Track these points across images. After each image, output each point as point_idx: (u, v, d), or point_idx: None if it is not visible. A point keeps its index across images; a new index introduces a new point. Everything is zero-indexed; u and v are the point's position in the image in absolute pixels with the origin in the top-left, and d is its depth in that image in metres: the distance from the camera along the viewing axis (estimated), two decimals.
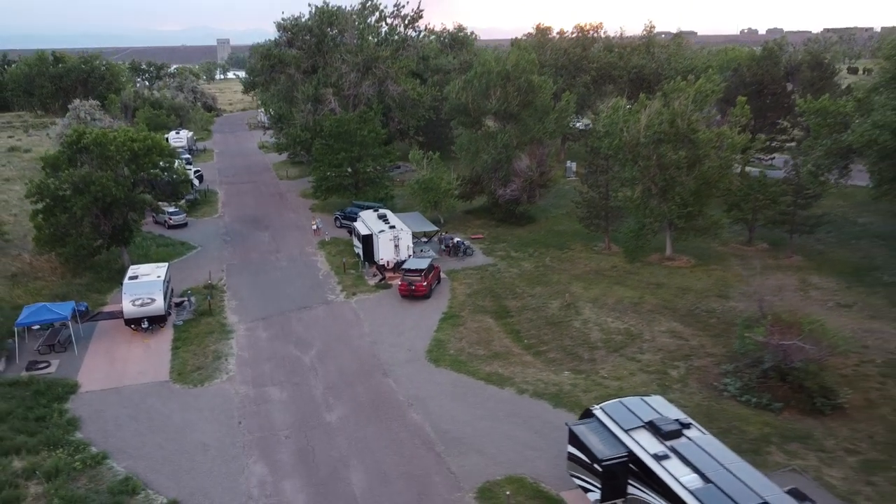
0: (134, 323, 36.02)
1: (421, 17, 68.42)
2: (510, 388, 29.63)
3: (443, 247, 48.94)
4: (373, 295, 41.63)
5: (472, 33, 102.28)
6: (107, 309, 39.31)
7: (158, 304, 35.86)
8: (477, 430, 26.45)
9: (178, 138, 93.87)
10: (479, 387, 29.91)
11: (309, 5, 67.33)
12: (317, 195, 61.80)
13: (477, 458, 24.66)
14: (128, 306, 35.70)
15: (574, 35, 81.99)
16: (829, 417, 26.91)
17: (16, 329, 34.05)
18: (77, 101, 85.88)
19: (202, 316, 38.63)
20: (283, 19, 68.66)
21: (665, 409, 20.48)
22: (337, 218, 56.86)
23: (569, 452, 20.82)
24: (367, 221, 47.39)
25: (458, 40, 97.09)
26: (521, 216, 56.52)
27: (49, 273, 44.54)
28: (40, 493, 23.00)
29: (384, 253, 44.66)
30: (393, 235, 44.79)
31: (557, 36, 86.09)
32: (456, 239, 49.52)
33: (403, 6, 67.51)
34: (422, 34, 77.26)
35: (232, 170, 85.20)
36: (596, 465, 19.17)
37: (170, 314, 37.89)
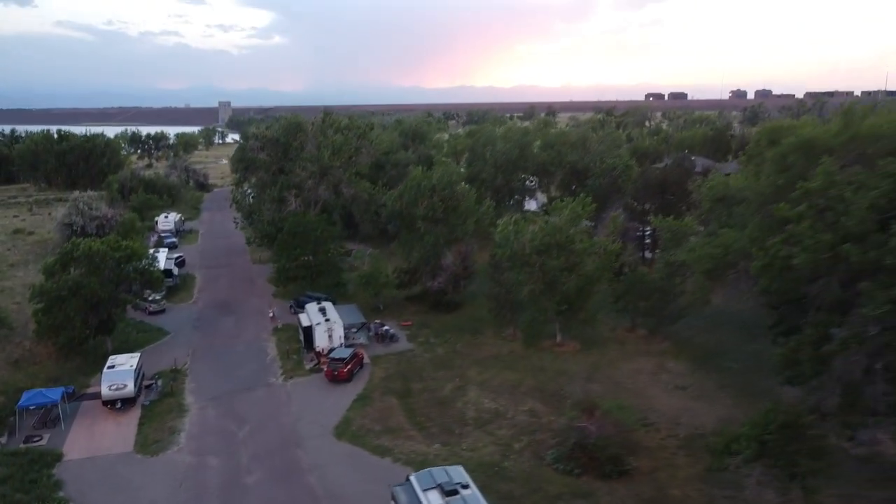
0: (110, 404, 45.68)
1: (372, 129, 79.97)
2: (389, 457, 39.11)
3: (372, 334, 58.81)
4: (306, 378, 51.36)
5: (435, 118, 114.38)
6: (90, 391, 48.95)
7: (129, 389, 45.64)
8: (355, 490, 35.86)
9: (167, 222, 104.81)
10: (366, 456, 39.40)
11: (276, 118, 78.80)
12: (278, 284, 72.09)
13: None
14: (105, 390, 45.48)
15: (512, 138, 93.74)
16: (615, 481, 36.34)
17: (17, 409, 43.72)
18: (77, 193, 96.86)
19: (166, 397, 48.26)
20: (255, 130, 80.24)
21: (457, 476, 30.06)
22: (291, 305, 66.88)
23: None
24: (309, 313, 57.37)
25: (419, 134, 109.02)
26: (448, 304, 66.55)
27: (45, 358, 54.33)
28: None
29: (320, 341, 54.49)
30: (328, 327, 54.73)
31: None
32: (385, 327, 59.43)
33: (357, 119, 79.00)
34: (377, 137, 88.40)
35: (213, 252, 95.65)
36: None
37: (139, 396, 47.48)
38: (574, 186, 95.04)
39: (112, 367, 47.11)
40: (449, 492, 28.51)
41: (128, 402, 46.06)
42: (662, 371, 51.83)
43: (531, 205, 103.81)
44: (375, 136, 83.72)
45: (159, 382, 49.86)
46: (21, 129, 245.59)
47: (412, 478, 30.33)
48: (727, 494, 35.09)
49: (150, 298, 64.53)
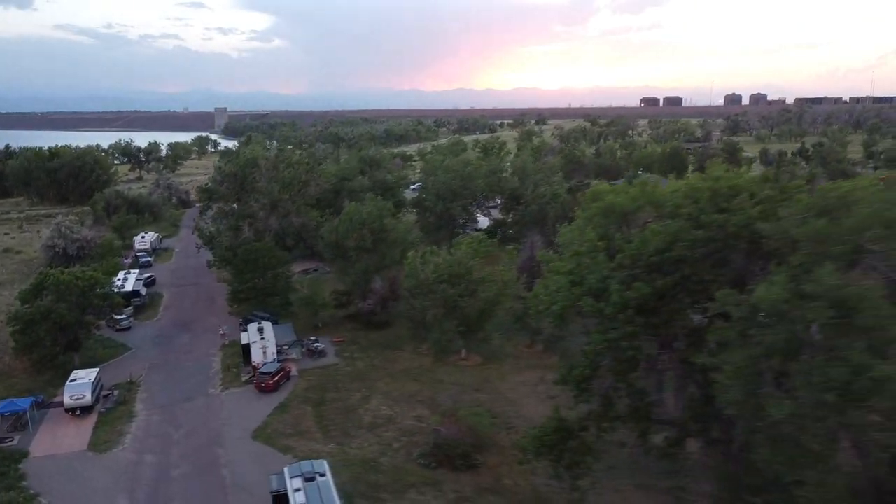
0: (71, 411, 55.21)
1: (321, 163, 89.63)
2: (290, 454, 48.47)
3: (304, 349, 68.32)
4: (240, 389, 60.83)
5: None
6: (56, 400, 58.42)
7: (87, 399, 55.21)
8: (256, 480, 45.13)
9: (143, 242, 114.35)
10: (273, 453, 48.83)
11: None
12: (232, 304, 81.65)
13: (247, 497, 43.54)
14: (67, 400, 55.07)
15: (453, 169, 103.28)
16: (464, 473, 45.75)
17: None
18: (59, 217, 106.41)
19: (120, 405, 57.76)
20: (219, 162, 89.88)
21: (318, 467, 39.52)
22: (241, 323, 76.31)
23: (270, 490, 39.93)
24: (249, 333, 66.90)
25: (376, 161, 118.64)
26: (377, 323, 76.05)
27: (21, 372, 63.99)
28: None
29: (256, 357, 63.97)
30: (262, 345, 64.26)
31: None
32: (316, 343, 68.96)
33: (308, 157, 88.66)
34: (325, 170, 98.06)
35: (183, 270, 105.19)
36: (272, 494, 38.27)
37: (97, 404, 56.94)
38: (511, 212, 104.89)
39: (74, 380, 56.63)
40: (308, 479, 38.01)
41: (86, 410, 55.53)
42: (542, 383, 60.95)
43: (483, 223, 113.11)
44: (323, 170, 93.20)
45: (115, 393, 59.35)
46: (19, 135, 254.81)
47: (285, 469, 39.85)
48: (547, 483, 44.55)
49: (117, 317, 74.05)
